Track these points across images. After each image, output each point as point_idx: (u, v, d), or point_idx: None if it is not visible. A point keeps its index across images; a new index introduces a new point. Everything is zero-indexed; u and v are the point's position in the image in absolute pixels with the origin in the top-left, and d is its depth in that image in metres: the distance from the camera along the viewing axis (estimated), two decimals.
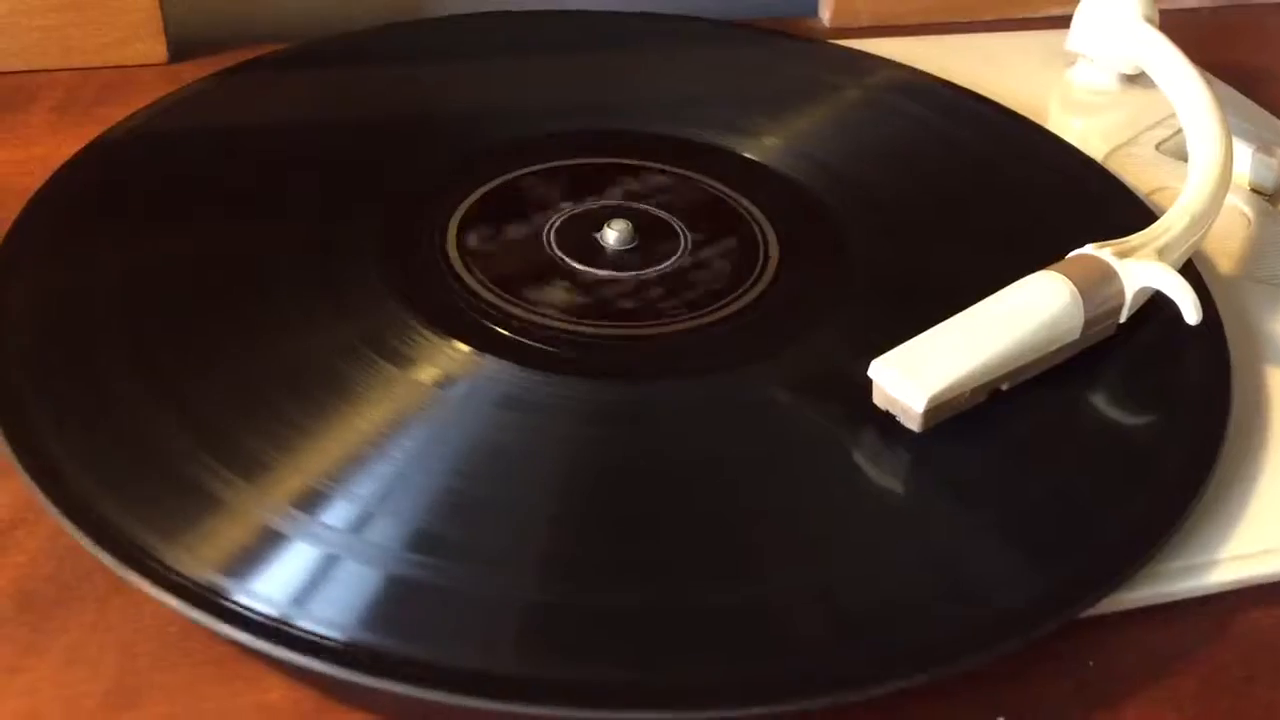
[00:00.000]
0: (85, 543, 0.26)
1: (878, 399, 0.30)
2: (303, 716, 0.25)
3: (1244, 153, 0.43)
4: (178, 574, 0.25)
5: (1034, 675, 0.27)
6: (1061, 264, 0.33)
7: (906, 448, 0.30)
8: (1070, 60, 0.50)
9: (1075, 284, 0.32)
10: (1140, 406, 0.32)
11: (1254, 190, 0.43)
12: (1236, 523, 0.30)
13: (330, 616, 0.25)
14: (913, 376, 0.29)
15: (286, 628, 0.25)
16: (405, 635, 0.25)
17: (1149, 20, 0.46)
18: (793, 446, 0.30)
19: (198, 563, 0.26)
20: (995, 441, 0.31)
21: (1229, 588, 0.29)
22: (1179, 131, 0.42)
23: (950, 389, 0.30)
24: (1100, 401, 0.32)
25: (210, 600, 0.25)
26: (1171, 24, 0.46)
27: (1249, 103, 0.49)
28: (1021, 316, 0.31)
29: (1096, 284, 0.32)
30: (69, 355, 0.31)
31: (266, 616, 0.25)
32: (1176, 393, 0.33)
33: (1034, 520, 0.29)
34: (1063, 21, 0.49)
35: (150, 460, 0.28)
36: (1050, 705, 0.26)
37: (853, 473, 0.30)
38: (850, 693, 0.25)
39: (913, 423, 0.30)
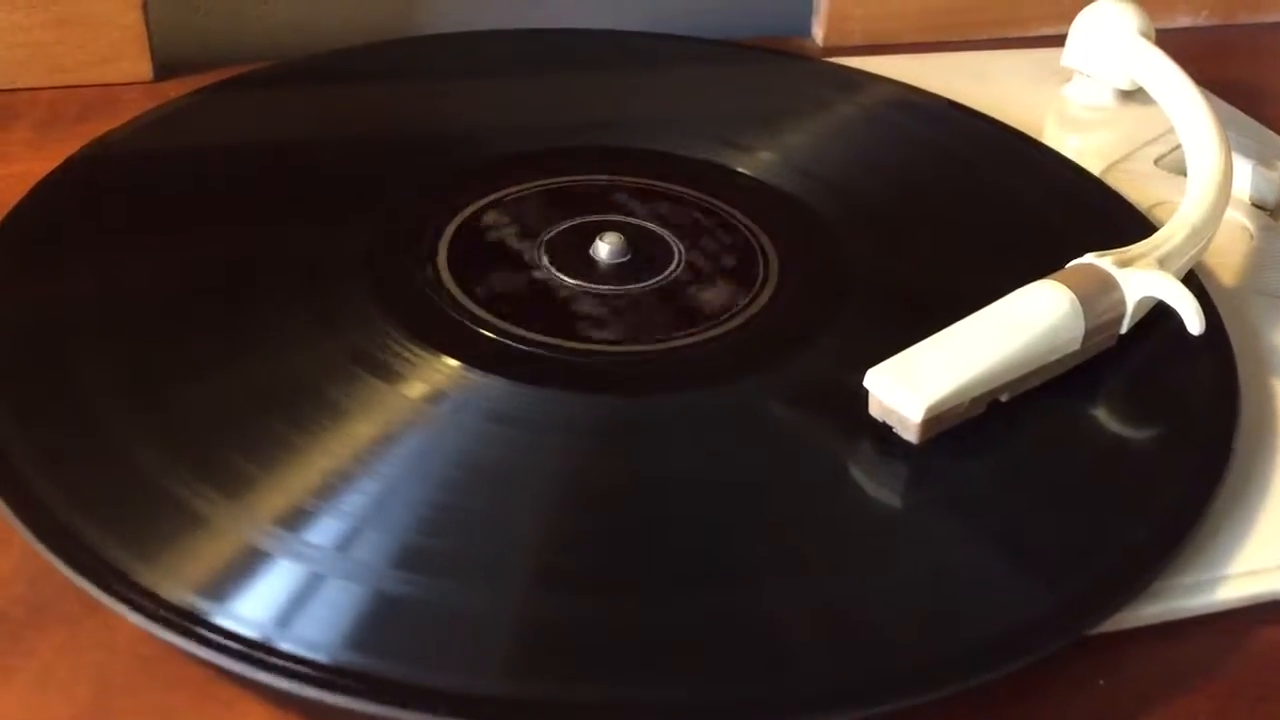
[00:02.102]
0: (57, 563, 0.25)
1: (874, 410, 0.30)
2: None
3: (1244, 168, 0.42)
4: (153, 596, 0.25)
5: (1042, 694, 0.26)
6: (1061, 273, 0.32)
7: (904, 461, 0.29)
8: (1065, 77, 0.49)
9: (1076, 293, 0.31)
10: (1146, 418, 0.32)
11: (1255, 205, 0.42)
12: (1248, 537, 0.29)
13: (314, 637, 0.24)
14: (910, 386, 0.29)
15: (266, 651, 0.24)
16: (391, 655, 0.24)
17: (1145, 35, 0.45)
18: (790, 461, 0.30)
19: (176, 583, 0.25)
20: (995, 454, 0.30)
21: (1242, 604, 0.28)
22: (1177, 147, 0.42)
23: (948, 399, 0.29)
24: (1104, 414, 0.32)
25: (186, 625, 0.24)
26: (1167, 42, 0.45)
27: (1247, 119, 0.48)
28: (1021, 325, 0.30)
29: (1097, 293, 0.32)
30: (44, 371, 0.30)
31: (246, 639, 0.24)
32: (1183, 404, 0.32)
33: (1038, 535, 0.28)
34: (1056, 40, 0.49)
35: (127, 477, 0.27)
36: None
37: (850, 487, 0.29)
38: (850, 712, 0.24)
39: (910, 434, 0.29)
